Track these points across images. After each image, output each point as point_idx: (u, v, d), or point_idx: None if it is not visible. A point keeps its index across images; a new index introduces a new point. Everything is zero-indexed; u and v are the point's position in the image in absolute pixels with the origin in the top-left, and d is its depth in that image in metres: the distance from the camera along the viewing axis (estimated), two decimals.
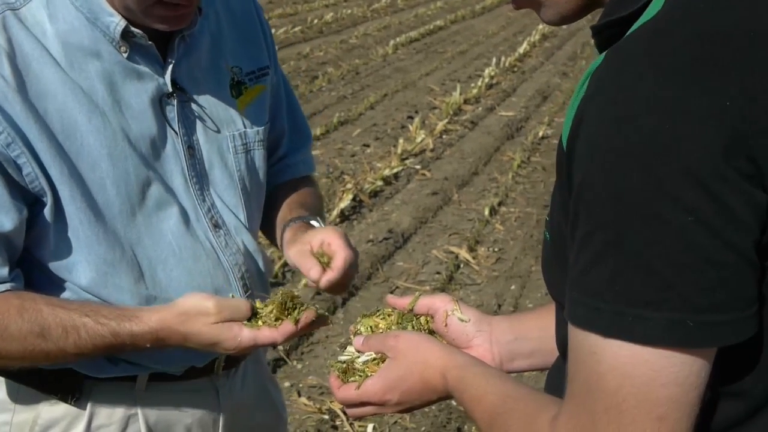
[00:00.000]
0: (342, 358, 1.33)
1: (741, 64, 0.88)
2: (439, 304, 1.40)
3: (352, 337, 1.37)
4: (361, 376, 1.28)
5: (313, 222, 1.68)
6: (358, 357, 1.31)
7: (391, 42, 12.77)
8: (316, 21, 14.45)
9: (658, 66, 0.88)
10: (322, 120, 8.40)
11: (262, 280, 1.71)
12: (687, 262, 0.85)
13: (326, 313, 1.54)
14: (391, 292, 4.85)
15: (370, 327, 1.39)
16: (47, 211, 1.42)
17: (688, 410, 0.88)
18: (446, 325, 1.39)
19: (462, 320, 1.39)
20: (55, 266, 1.48)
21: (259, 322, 1.45)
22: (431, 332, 1.39)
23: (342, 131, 8.12)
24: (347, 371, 1.30)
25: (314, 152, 7.49)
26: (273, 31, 12.21)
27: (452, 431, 3.61)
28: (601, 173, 0.88)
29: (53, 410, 1.56)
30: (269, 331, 1.44)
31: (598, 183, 0.88)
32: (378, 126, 8.32)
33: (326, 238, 1.56)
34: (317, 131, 7.85)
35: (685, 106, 0.85)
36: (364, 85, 10.22)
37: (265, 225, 1.77)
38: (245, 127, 1.65)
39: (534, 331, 1.38)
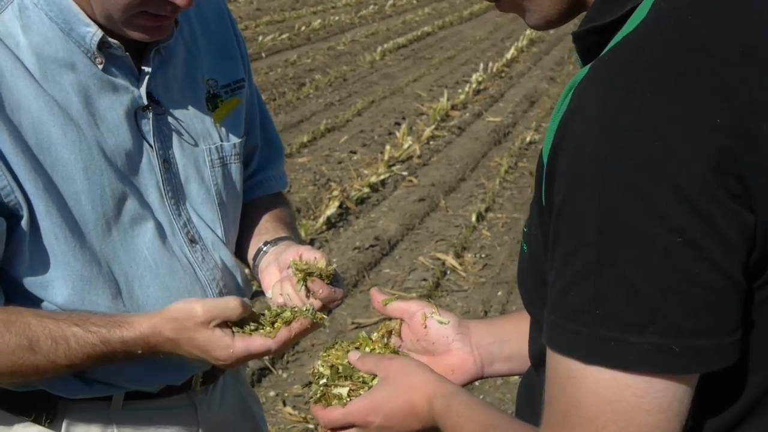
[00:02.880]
0: (314, 388, 1.30)
1: (729, 81, 0.86)
2: (416, 308, 1.38)
3: (318, 368, 1.33)
4: (341, 399, 1.25)
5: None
6: (333, 387, 1.27)
7: (379, 48, 12.76)
8: (303, 28, 14.43)
9: (645, 81, 0.85)
10: (309, 127, 8.38)
11: (241, 296, 1.67)
12: (673, 284, 0.82)
13: (323, 316, 1.49)
14: None
15: (329, 363, 1.33)
16: (23, 225, 1.39)
17: None
18: (425, 327, 1.36)
19: (441, 322, 1.36)
20: (31, 283, 1.44)
21: (251, 329, 1.41)
22: (395, 352, 1.36)
23: (329, 138, 8.10)
24: (325, 397, 1.27)
25: (301, 159, 7.48)
26: (260, 38, 12.20)
27: None
28: (585, 190, 0.85)
29: None
30: (263, 339, 1.40)
31: (581, 200, 0.85)
32: (365, 133, 8.31)
33: (302, 252, 1.54)
34: (304, 138, 7.83)
35: (673, 123, 0.83)
36: (352, 91, 10.20)
37: (237, 241, 1.72)
38: (221, 140, 1.62)
39: (513, 334, 1.35)
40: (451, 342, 1.36)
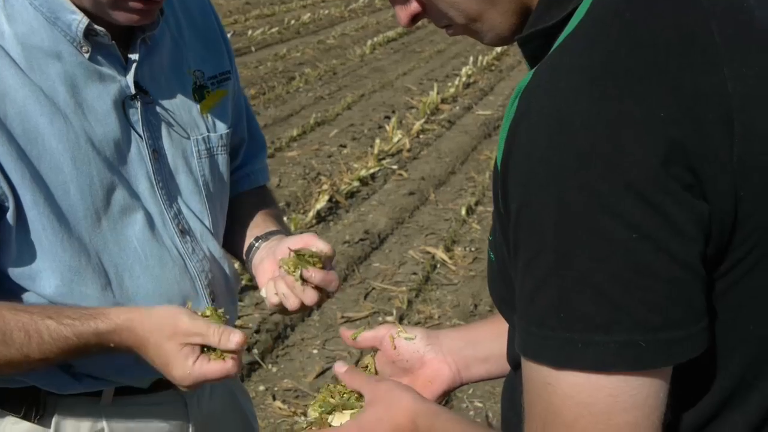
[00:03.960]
0: (310, 418, 1.31)
1: (673, 72, 0.85)
2: (383, 331, 1.38)
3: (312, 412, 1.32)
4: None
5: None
6: (328, 414, 1.28)
7: (369, 42, 12.74)
8: (293, 22, 14.39)
9: (589, 80, 0.84)
10: (299, 121, 8.36)
11: (229, 287, 1.67)
12: (634, 279, 0.81)
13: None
14: (367, 294, 4.83)
15: (320, 408, 1.33)
16: (9, 216, 1.37)
17: None
18: (395, 348, 1.36)
19: (408, 339, 1.37)
20: (19, 275, 1.42)
21: (211, 354, 1.37)
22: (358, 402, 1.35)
23: (319, 132, 8.08)
24: (322, 423, 1.28)
25: (291, 153, 7.47)
26: (250, 32, 12.15)
27: None
28: (539, 196, 0.84)
29: (16, 429, 1.52)
30: (221, 366, 1.36)
31: (536, 206, 0.84)
32: (355, 126, 8.30)
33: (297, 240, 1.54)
34: (294, 132, 7.82)
35: (620, 121, 0.82)
36: (342, 85, 10.18)
37: (225, 235, 1.71)
38: (209, 131, 1.62)
39: (485, 335, 1.36)
40: (423, 355, 1.36)
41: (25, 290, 1.44)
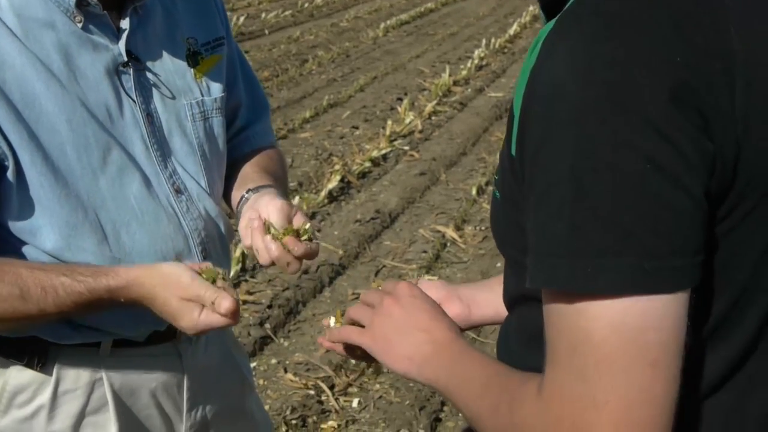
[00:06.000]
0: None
1: (685, 25, 0.92)
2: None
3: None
4: None
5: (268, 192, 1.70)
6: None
7: (382, 25, 12.76)
8: (306, 5, 14.42)
9: (608, 27, 0.91)
10: (312, 103, 8.42)
11: (224, 245, 1.76)
12: (645, 208, 0.86)
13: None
14: (378, 272, 4.90)
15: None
16: (9, 174, 1.46)
17: (677, 354, 0.88)
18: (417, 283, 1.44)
19: (431, 279, 1.45)
20: (20, 230, 1.51)
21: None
22: None
23: (331, 114, 8.14)
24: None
25: (303, 135, 7.50)
26: (264, 15, 12.09)
27: (436, 404, 3.67)
28: (559, 132, 0.89)
29: (20, 376, 1.61)
30: (222, 318, 1.45)
31: (556, 142, 0.90)
32: (367, 108, 8.34)
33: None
34: (306, 114, 7.87)
35: (637, 62, 0.88)
36: (354, 67, 10.22)
37: (226, 195, 1.81)
38: (203, 95, 1.69)
39: (497, 282, 1.40)
40: (438, 291, 1.45)
41: (25, 244, 1.52)
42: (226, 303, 1.44)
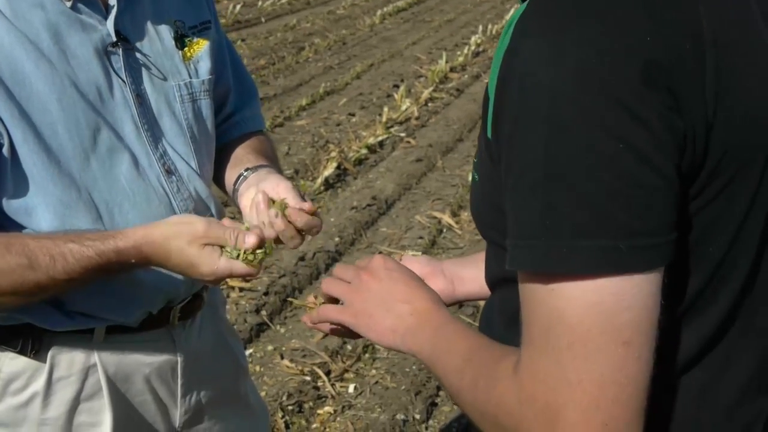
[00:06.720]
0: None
1: (655, 4, 0.93)
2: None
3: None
4: None
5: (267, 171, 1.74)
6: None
7: (379, 12, 12.74)
8: None
9: (579, 7, 0.92)
10: (309, 90, 8.42)
11: None
12: (618, 187, 0.87)
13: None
14: None
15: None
16: (4, 152, 1.47)
17: (651, 333, 0.89)
18: (401, 259, 1.45)
19: (415, 255, 1.44)
20: (16, 209, 1.51)
21: (236, 254, 1.48)
22: None
23: (328, 101, 8.14)
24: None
25: (300, 122, 7.49)
26: (260, 3, 12.03)
27: (432, 389, 3.69)
28: (533, 114, 0.90)
29: (14, 364, 1.62)
30: (246, 268, 1.47)
31: (529, 124, 0.91)
32: (364, 95, 8.34)
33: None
34: (303, 101, 7.87)
35: (608, 42, 0.89)
36: (351, 55, 10.22)
37: (218, 177, 1.83)
38: (191, 77, 1.71)
39: (481, 258, 1.43)
40: (422, 267, 1.45)
41: (22, 227, 1.52)
42: (250, 239, 1.46)
